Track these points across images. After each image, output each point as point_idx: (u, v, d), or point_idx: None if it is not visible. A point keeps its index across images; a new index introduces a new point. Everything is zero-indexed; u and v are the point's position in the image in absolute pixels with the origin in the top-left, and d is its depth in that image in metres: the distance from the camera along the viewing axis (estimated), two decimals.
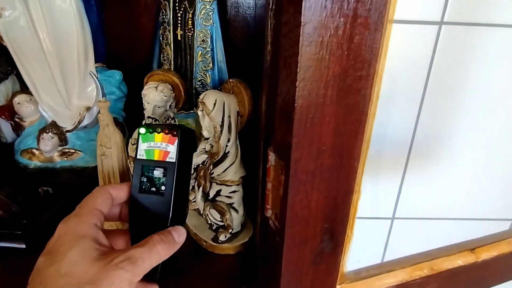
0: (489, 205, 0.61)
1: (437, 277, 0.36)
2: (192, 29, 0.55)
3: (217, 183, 0.47)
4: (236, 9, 0.67)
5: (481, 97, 0.52)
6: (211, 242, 0.47)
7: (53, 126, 0.59)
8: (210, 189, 0.47)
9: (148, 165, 0.31)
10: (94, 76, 0.57)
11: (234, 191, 0.47)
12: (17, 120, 0.63)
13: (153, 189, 0.31)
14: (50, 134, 0.58)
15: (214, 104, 0.42)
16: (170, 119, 0.50)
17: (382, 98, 0.52)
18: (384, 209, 0.61)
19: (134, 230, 0.31)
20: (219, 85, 0.56)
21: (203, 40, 0.55)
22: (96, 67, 0.59)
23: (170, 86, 0.49)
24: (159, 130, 0.30)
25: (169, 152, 0.30)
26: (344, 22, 0.21)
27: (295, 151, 0.24)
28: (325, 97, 0.23)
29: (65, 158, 0.60)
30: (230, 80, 0.47)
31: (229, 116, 0.44)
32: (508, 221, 0.64)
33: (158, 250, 0.27)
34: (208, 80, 0.57)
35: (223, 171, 0.46)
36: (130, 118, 0.65)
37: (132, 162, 0.49)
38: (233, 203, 0.47)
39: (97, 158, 0.45)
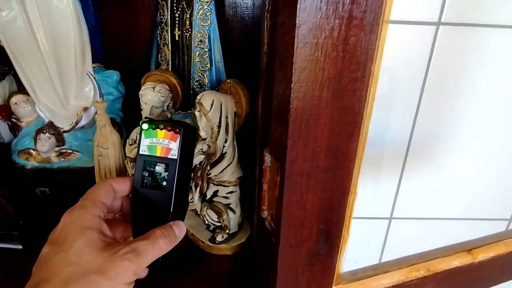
0: (486, 205, 0.61)
1: (433, 278, 0.36)
2: (189, 29, 0.55)
3: (214, 184, 0.47)
4: (234, 9, 0.67)
5: (478, 98, 0.53)
6: (208, 243, 0.47)
7: (50, 127, 0.59)
8: (207, 189, 0.47)
9: (150, 160, 0.31)
10: (91, 76, 0.57)
11: (231, 192, 0.47)
12: (14, 120, 0.63)
13: (155, 184, 0.31)
14: (47, 134, 0.58)
15: (212, 104, 0.42)
16: (160, 119, 0.50)
17: (380, 98, 0.52)
18: (382, 209, 0.62)
19: (136, 223, 0.32)
20: (216, 86, 0.56)
21: (200, 41, 0.55)
22: (93, 67, 0.59)
23: (167, 87, 0.48)
24: (162, 126, 0.31)
25: (171, 149, 0.31)
26: (339, 24, 0.21)
27: (290, 152, 0.24)
28: (320, 98, 0.23)
29: (62, 159, 0.60)
30: (228, 80, 0.47)
31: (227, 117, 0.44)
32: (505, 221, 0.64)
33: (160, 244, 0.28)
34: (206, 81, 0.57)
35: (220, 172, 0.46)
36: (127, 118, 0.65)
37: (129, 163, 0.49)
38: (230, 204, 0.47)
39: (94, 159, 0.45)
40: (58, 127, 0.59)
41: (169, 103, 0.49)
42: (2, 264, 0.43)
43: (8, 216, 0.46)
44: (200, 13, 0.54)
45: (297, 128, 0.23)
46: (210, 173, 0.46)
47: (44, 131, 0.58)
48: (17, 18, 0.52)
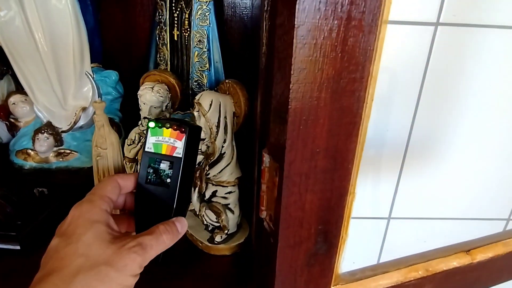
0: (484, 205, 0.62)
1: (432, 279, 0.36)
2: (188, 29, 0.55)
3: (213, 184, 0.47)
4: (233, 9, 0.67)
5: (476, 98, 0.53)
6: (207, 243, 0.47)
7: (49, 127, 0.58)
8: (206, 190, 0.47)
9: (155, 158, 0.32)
10: (90, 77, 0.57)
11: (230, 192, 0.47)
12: (12, 120, 0.63)
13: (159, 180, 0.32)
14: (45, 134, 0.58)
15: (210, 105, 0.42)
16: (165, 118, 0.50)
17: (379, 99, 0.52)
18: (380, 209, 0.62)
19: (139, 218, 0.33)
20: (215, 86, 0.56)
21: (199, 41, 0.55)
22: (92, 67, 0.59)
23: (166, 87, 0.48)
24: (168, 125, 0.32)
25: (176, 147, 0.32)
26: (338, 25, 0.21)
27: (288, 153, 0.24)
28: (319, 99, 0.23)
29: (61, 159, 0.60)
30: (227, 80, 0.47)
31: (225, 117, 0.44)
32: (503, 221, 0.64)
33: (164, 239, 0.29)
34: (205, 81, 0.57)
35: (219, 172, 0.46)
36: (126, 118, 0.65)
37: (128, 163, 0.49)
38: (229, 204, 0.47)
39: (93, 159, 0.45)
40: (57, 127, 0.59)
41: (168, 103, 0.49)
42: (0, 264, 0.43)
43: (6, 217, 0.45)
44: (199, 13, 0.54)
45: (296, 128, 0.23)
46: (208, 173, 0.46)
47: (43, 131, 0.58)
48: (15, 18, 0.52)
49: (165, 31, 0.56)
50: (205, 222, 0.49)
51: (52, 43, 0.54)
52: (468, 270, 0.37)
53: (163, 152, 0.32)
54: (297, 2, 0.20)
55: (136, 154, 0.49)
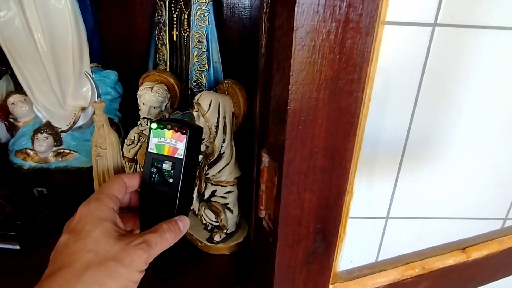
0: (481, 205, 0.62)
1: (428, 276, 0.37)
2: (187, 29, 0.55)
3: (212, 184, 0.47)
4: (231, 9, 0.67)
5: (473, 98, 0.53)
6: (206, 242, 0.47)
7: (48, 127, 0.59)
8: (205, 189, 0.48)
9: (157, 158, 0.33)
10: (89, 77, 0.57)
11: (229, 192, 0.47)
12: (11, 120, 0.63)
13: (162, 180, 0.33)
14: (44, 134, 0.58)
15: (209, 105, 0.43)
16: (166, 119, 0.50)
17: (377, 99, 0.52)
18: (378, 209, 0.62)
19: (144, 216, 0.34)
20: (214, 86, 0.56)
21: (198, 41, 0.55)
22: (91, 67, 0.59)
23: (165, 87, 0.49)
24: (170, 127, 0.32)
25: (177, 148, 0.32)
26: (336, 27, 0.21)
27: (287, 152, 0.24)
28: (318, 100, 0.23)
29: (60, 159, 0.60)
30: (226, 81, 0.47)
31: (224, 117, 0.44)
32: (500, 220, 0.65)
33: (167, 238, 0.30)
34: (204, 81, 0.57)
35: (218, 172, 0.46)
36: (125, 118, 0.65)
37: (127, 163, 0.49)
38: (228, 204, 0.47)
39: (92, 159, 0.45)
40: (56, 127, 0.59)
41: (167, 103, 0.49)
42: (0, 264, 0.43)
43: (5, 216, 0.46)
44: (198, 14, 0.54)
45: (295, 128, 0.24)
46: (208, 173, 0.46)
47: (42, 131, 0.58)
48: (15, 18, 0.52)
49: (164, 31, 0.56)
50: (204, 222, 0.49)
51: (52, 43, 0.54)
52: (463, 268, 0.38)
53: (165, 153, 0.33)
54: (296, 4, 0.20)
55: (136, 154, 0.49)
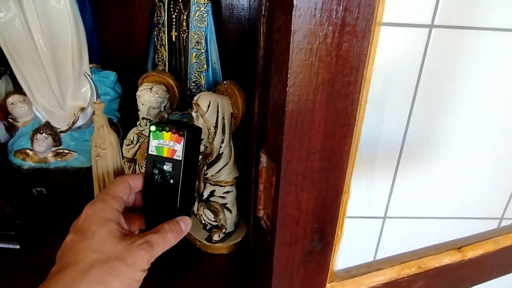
0: (478, 205, 0.63)
1: (424, 275, 0.37)
2: (186, 30, 0.55)
3: (211, 184, 0.47)
4: (230, 10, 0.67)
5: (470, 99, 0.53)
6: (205, 242, 0.48)
7: (47, 127, 0.59)
8: (204, 189, 0.48)
9: (158, 160, 0.34)
10: (88, 77, 0.57)
11: (227, 192, 0.47)
12: (10, 120, 0.63)
13: (163, 181, 0.34)
14: (44, 134, 0.58)
15: (208, 105, 0.43)
16: (164, 120, 0.51)
17: (374, 100, 0.53)
18: (376, 209, 0.62)
19: (148, 216, 0.35)
20: (213, 86, 0.57)
21: (197, 42, 0.56)
22: (90, 67, 0.59)
23: (164, 88, 0.49)
24: (167, 129, 0.33)
25: (176, 150, 0.33)
26: (333, 30, 0.22)
27: (285, 153, 0.25)
28: (315, 101, 0.23)
29: (59, 159, 0.60)
30: (224, 82, 0.47)
31: (223, 118, 0.44)
32: (496, 220, 0.65)
33: (169, 238, 0.31)
34: (202, 82, 0.57)
35: (217, 172, 0.46)
36: (124, 118, 0.65)
37: (126, 163, 0.50)
38: (226, 204, 0.48)
39: (92, 159, 0.45)
40: (55, 127, 0.59)
41: (166, 104, 0.50)
42: (0, 264, 0.43)
43: (5, 216, 0.46)
44: (197, 15, 0.55)
45: (292, 130, 0.24)
46: (207, 173, 0.47)
47: (41, 131, 0.58)
48: (14, 19, 0.52)
49: (163, 32, 0.56)
50: (203, 221, 0.49)
51: (51, 44, 0.55)
52: (459, 267, 0.38)
53: (165, 155, 0.33)
54: (294, 8, 0.21)
55: (135, 154, 0.49)
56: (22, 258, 0.44)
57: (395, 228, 0.64)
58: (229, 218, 0.48)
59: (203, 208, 0.48)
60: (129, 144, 0.49)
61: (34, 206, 0.49)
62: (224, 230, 0.48)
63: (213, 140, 0.44)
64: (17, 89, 0.63)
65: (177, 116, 0.58)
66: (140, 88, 0.47)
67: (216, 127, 0.44)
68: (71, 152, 0.60)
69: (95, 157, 0.45)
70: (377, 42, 0.25)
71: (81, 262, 0.26)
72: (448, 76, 0.52)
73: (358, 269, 0.36)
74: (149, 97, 0.46)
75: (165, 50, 0.57)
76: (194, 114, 0.44)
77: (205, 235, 0.49)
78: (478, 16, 0.49)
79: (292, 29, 0.21)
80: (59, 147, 0.60)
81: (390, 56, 0.51)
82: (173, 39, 0.56)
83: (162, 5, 0.55)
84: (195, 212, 0.50)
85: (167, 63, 0.58)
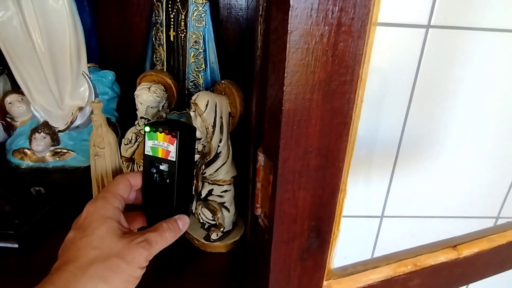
0: (474, 204, 0.63)
1: (420, 273, 0.37)
2: (184, 30, 0.56)
3: (209, 183, 0.47)
4: (228, 10, 0.67)
5: (466, 99, 0.54)
6: (203, 241, 0.48)
7: (45, 126, 0.59)
8: (202, 188, 0.48)
9: (154, 160, 0.34)
10: (86, 76, 0.57)
11: (225, 191, 0.48)
12: (8, 119, 0.63)
13: (161, 180, 0.34)
14: (42, 134, 0.58)
15: (206, 105, 0.43)
16: (161, 120, 0.51)
17: (371, 100, 0.53)
18: (374, 208, 0.63)
19: (148, 213, 0.35)
20: (211, 86, 0.57)
21: (195, 41, 0.56)
22: (88, 67, 0.60)
23: (162, 87, 0.49)
24: (161, 130, 0.33)
25: (170, 151, 0.33)
26: (329, 30, 0.22)
27: (282, 152, 0.25)
28: (311, 101, 0.24)
29: (58, 158, 0.60)
30: (222, 81, 0.47)
31: (221, 117, 0.45)
32: (492, 219, 0.66)
33: (167, 236, 0.31)
34: (201, 81, 0.58)
35: (215, 171, 0.47)
36: (122, 118, 0.65)
37: (124, 162, 0.50)
38: (224, 202, 0.48)
39: (90, 159, 0.45)
40: (53, 127, 0.60)
41: (164, 103, 0.50)
42: None
43: (4, 215, 0.46)
44: (195, 14, 0.55)
45: (289, 129, 0.24)
46: (205, 172, 0.47)
47: (39, 131, 0.58)
48: (13, 19, 0.52)
49: (162, 31, 0.57)
50: (201, 220, 0.50)
51: (49, 43, 0.55)
52: (454, 265, 0.39)
53: (160, 156, 0.33)
54: (290, 9, 0.21)
55: (133, 153, 0.50)
56: (20, 257, 0.44)
57: (393, 227, 0.65)
58: (227, 217, 0.48)
59: (201, 207, 0.48)
60: (127, 144, 0.49)
61: (33, 205, 0.49)
62: (222, 229, 0.48)
63: (211, 139, 0.45)
64: (15, 88, 0.63)
65: (175, 116, 0.58)
66: (138, 88, 0.47)
67: (214, 126, 0.44)
68: (69, 151, 0.60)
69: (93, 156, 0.45)
70: (373, 42, 0.26)
71: (81, 258, 0.27)
72: (445, 76, 0.52)
73: (355, 267, 0.36)
74: (147, 96, 0.47)
75: (163, 50, 0.57)
76: (192, 113, 0.44)
77: (203, 234, 0.49)
78: (474, 16, 0.49)
79: (288, 29, 0.21)
80: (57, 147, 0.60)
81: (388, 55, 0.51)
82: (171, 39, 0.56)
83: (160, 4, 0.56)
84: (193, 211, 0.50)
85: (165, 63, 0.58)
